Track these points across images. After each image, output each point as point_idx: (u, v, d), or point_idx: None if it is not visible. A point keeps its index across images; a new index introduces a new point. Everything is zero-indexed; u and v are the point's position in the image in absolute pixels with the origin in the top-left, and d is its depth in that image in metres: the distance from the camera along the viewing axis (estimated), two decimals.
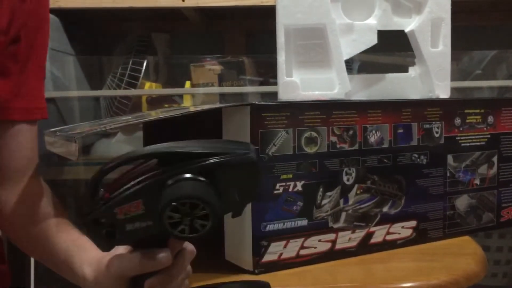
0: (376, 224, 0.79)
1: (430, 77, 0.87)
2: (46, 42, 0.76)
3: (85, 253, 0.68)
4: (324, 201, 0.74)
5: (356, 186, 0.76)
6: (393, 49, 1.23)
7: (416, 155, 0.81)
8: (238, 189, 0.54)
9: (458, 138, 0.85)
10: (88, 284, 0.65)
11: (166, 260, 0.56)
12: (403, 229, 0.81)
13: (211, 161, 0.53)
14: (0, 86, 0.69)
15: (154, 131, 0.91)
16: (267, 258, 0.71)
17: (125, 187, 0.53)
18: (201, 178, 0.52)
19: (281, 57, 0.82)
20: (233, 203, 0.55)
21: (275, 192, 0.70)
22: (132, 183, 0.53)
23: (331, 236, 0.75)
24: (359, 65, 1.44)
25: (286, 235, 0.72)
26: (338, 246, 0.76)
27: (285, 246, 0.72)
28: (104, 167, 0.54)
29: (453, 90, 0.91)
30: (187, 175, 0.52)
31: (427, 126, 0.82)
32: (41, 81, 0.76)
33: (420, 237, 0.83)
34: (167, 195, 0.51)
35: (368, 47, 0.85)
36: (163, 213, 0.50)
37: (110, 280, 0.60)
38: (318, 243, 0.74)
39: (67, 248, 0.70)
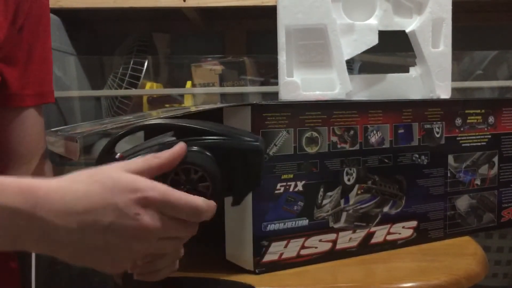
0: (377, 224, 0.79)
1: (431, 77, 0.87)
2: (48, 29, 0.79)
3: None
4: (324, 201, 0.74)
5: (356, 186, 0.76)
6: (394, 50, 1.23)
7: (417, 155, 0.81)
8: (241, 174, 0.57)
9: (459, 138, 0.85)
10: None
11: None
12: (403, 229, 0.81)
13: (220, 140, 0.56)
14: (9, 74, 0.72)
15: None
16: (268, 258, 0.71)
17: (138, 152, 0.57)
18: (208, 153, 0.55)
19: (282, 57, 0.82)
20: (235, 187, 0.57)
21: (276, 192, 0.70)
22: (146, 150, 0.57)
23: (332, 236, 0.75)
24: (360, 65, 1.44)
25: (286, 235, 0.72)
26: (339, 246, 0.76)
27: (285, 246, 0.72)
28: (118, 132, 0.58)
29: (454, 90, 0.91)
30: (195, 148, 0.55)
31: (428, 126, 0.82)
32: (48, 66, 0.79)
33: (420, 237, 0.83)
34: None
35: (369, 47, 0.85)
36: (167, 176, 0.54)
37: None
38: (318, 243, 0.74)
39: None
